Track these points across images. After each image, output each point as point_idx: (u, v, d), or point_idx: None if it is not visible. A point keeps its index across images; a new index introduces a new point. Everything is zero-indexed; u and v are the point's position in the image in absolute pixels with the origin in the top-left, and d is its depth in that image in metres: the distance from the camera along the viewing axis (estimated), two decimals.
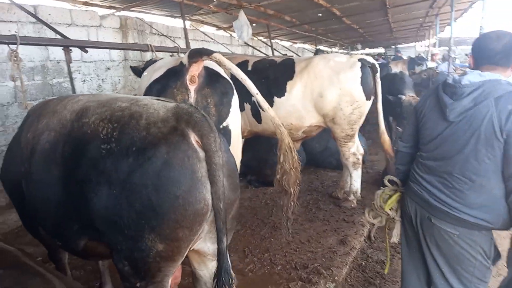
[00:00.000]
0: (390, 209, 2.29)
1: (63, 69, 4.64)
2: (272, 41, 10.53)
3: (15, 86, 4.07)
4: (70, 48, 3.56)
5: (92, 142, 1.56)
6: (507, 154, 1.73)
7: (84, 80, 5.17)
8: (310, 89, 4.21)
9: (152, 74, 2.70)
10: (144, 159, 1.47)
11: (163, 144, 1.49)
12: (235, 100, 2.70)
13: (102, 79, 5.40)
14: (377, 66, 4.43)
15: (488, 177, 1.80)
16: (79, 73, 4.99)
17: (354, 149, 4.48)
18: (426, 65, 11.46)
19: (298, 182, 2.38)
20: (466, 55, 9.95)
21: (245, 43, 9.53)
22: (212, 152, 1.51)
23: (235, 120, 2.70)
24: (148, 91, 2.58)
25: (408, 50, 24.71)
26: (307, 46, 17.76)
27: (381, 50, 26.65)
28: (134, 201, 1.46)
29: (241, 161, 5.48)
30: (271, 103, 4.36)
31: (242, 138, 4.96)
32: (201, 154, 1.53)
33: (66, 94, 4.70)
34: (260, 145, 5.39)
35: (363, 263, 3.46)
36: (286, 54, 11.21)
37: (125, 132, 1.53)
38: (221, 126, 2.57)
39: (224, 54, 5.71)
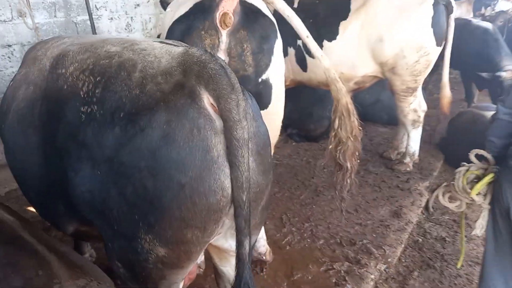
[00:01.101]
0: (477, 194, 1.74)
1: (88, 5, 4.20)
2: None
3: (34, 24, 3.70)
4: None
5: (69, 102, 1.12)
6: None
7: (112, 18, 4.69)
8: (367, 31, 3.50)
9: (175, 11, 2.17)
10: (136, 130, 1.01)
11: (162, 108, 1.01)
12: (278, 45, 2.13)
13: (131, 17, 4.88)
14: (454, 4, 3.60)
15: None
16: (106, 10, 4.50)
17: (416, 104, 3.80)
18: (493, 7, 9.85)
19: (357, 154, 1.87)
20: None
21: None
22: (233, 121, 1.02)
23: (277, 72, 2.15)
24: (170, 34, 2.08)
25: None
26: None
27: None
28: (124, 188, 1.03)
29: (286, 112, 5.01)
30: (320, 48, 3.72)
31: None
32: (218, 123, 1.05)
33: (91, 33, 4.29)
34: (304, 96, 4.79)
35: (420, 239, 2.96)
36: None
37: (110, 90, 1.06)
38: (260, 80, 2.04)
39: None
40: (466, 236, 2.87)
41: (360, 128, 1.88)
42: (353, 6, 3.62)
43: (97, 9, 4.37)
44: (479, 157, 1.81)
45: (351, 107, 1.82)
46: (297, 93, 4.57)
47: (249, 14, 2.01)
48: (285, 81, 4.17)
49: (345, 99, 1.81)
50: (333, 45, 3.66)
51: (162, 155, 1.00)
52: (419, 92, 3.88)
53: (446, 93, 3.85)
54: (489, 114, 3.54)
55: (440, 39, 3.48)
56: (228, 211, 1.12)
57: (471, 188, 1.75)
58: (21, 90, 1.34)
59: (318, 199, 3.35)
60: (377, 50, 3.50)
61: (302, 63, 3.83)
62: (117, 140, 1.02)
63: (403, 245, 2.77)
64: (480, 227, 1.83)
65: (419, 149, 4.05)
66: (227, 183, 1.07)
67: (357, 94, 5.25)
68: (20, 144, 1.32)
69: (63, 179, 1.17)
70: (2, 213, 1.71)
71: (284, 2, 1.84)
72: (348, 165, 1.86)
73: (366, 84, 4.02)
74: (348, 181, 1.91)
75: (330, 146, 1.90)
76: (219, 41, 1.95)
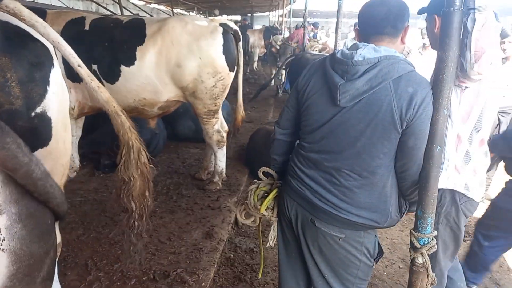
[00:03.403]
0: (265, 209, 1.91)
1: None
2: None
3: None
4: None
5: None
6: (405, 146, 1.47)
7: None
8: (165, 57, 3.53)
9: None
10: None
11: None
12: (55, 73, 1.87)
13: None
14: (240, 33, 4.01)
15: (380, 174, 1.53)
16: None
17: (218, 125, 4.05)
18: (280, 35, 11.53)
19: (147, 193, 1.77)
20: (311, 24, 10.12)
21: None
22: (26, 164, 0.86)
23: (57, 103, 1.88)
24: None
25: (262, 19, 25.50)
26: (162, 7, 16.45)
27: (237, 17, 26.78)
28: None
29: (89, 141, 4.53)
30: (117, 73, 3.55)
31: (83, 115, 4.02)
32: None
33: None
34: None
35: (232, 255, 3.11)
36: (138, 15, 9.98)
37: None
38: (33, 113, 1.74)
39: (57, 9, 4.45)
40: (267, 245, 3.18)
41: (150, 165, 1.80)
42: (148, 31, 3.59)
43: None
44: (266, 174, 2.01)
45: (136, 143, 1.71)
46: (106, 117, 4.21)
47: (13, 38, 1.70)
48: (84, 109, 3.86)
49: (128, 135, 1.70)
50: (132, 70, 3.55)
51: None
52: (220, 114, 4.15)
53: (240, 112, 4.24)
54: None
55: (232, 64, 3.80)
56: None
57: (261, 205, 1.92)
58: None
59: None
60: (177, 75, 3.56)
61: None
62: None
63: (216, 265, 2.83)
64: (272, 238, 2.02)
65: (227, 165, 4.32)
66: None
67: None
68: None
69: None
70: None
71: (46, 24, 1.62)
72: (133, 206, 1.74)
73: (170, 109, 4.05)
74: (136, 223, 1.79)
75: (116, 188, 1.75)
76: None
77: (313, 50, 7.58)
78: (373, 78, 1.41)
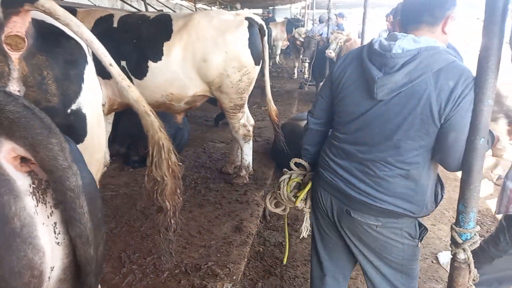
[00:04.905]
0: (300, 201, 1.90)
1: None
2: None
3: None
4: None
5: None
6: (445, 140, 1.42)
7: None
8: (191, 52, 3.55)
9: None
10: None
11: None
12: (89, 70, 1.90)
13: None
14: (265, 27, 3.97)
15: (416, 166, 1.50)
16: None
17: (244, 120, 4.05)
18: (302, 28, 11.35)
19: (178, 192, 1.78)
20: (336, 15, 9.97)
21: None
22: (62, 169, 0.87)
23: (92, 99, 1.92)
24: None
25: (283, 12, 25.24)
26: (184, 3, 16.53)
27: (259, 11, 26.62)
28: None
29: (117, 136, 4.60)
30: (145, 69, 3.59)
31: (112, 111, 4.09)
32: (21, 183, 0.86)
33: None
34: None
35: (261, 249, 3.11)
36: (162, 10, 10.06)
37: None
38: (70, 110, 1.78)
39: (85, 7, 4.50)
40: (298, 238, 3.15)
41: (180, 163, 1.81)
42: (175, 27, 3.62)
43: None
44: (298, 165, 1.99)
45: (166, 142, 1.72)
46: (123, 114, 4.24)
47: (48, 36, 1.74)
48: (113, 105, 3.92)
49: (158, 135, 1.70)
50: (159, 66, 3.58)
51: None
52: (246, 108, 4.15)
53: (272, 107, 4.17)
54: (304, 123, 4.05)
55: (258, 58, 3.77)
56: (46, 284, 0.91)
57: (294, 196, 1.91)
58: None
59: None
60: (203, 70, 3.57)
61: None
62: None
63: (246, 259, 2.84)
64: (305, 229, 2.01)
65: (253, 159, 4.32)
66: (38, 259, 0.85)
67: None
68: None
69: None
70: None
71: (80, 23, 1.64)
72: (168, 205, 1.76)
73: (197, 104, 4.07)
74: (172, 221, 1.81)
75: (147, 186, 1.76)
76: (9, 69, 1.61)
77: (337, 43, 7.44)
78: (412, 71, 1.37)
